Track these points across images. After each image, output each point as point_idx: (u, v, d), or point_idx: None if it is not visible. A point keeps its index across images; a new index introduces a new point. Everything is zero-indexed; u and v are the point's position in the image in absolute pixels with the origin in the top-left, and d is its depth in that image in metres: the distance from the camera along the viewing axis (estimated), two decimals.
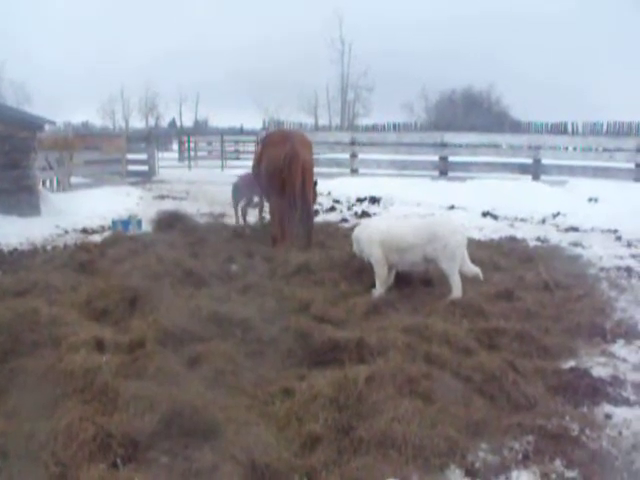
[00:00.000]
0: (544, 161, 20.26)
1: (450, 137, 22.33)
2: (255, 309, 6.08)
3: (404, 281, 7.56)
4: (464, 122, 42.85)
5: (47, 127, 16.00)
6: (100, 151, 22.79)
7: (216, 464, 3.54)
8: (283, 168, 9.07)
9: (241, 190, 12.01)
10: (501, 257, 9.28)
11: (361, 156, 23.33)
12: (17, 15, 75.19)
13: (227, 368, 4.84)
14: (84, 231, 12.58)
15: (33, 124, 14.56)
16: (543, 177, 19.57)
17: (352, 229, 8.03)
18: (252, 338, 5.50)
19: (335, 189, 17.95)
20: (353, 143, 23.40)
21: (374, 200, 16.35)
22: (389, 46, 63.88)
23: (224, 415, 4.07)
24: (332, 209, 15.34)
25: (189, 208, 14.64)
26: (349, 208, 15.54)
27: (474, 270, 7.15)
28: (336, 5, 57.40)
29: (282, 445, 3.89)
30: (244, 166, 27.66)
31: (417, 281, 7.65)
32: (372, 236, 7.13)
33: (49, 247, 10.90)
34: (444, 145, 21.81)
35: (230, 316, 5.71)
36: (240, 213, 12.11)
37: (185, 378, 4.59)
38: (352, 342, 5.24)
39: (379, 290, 7.09)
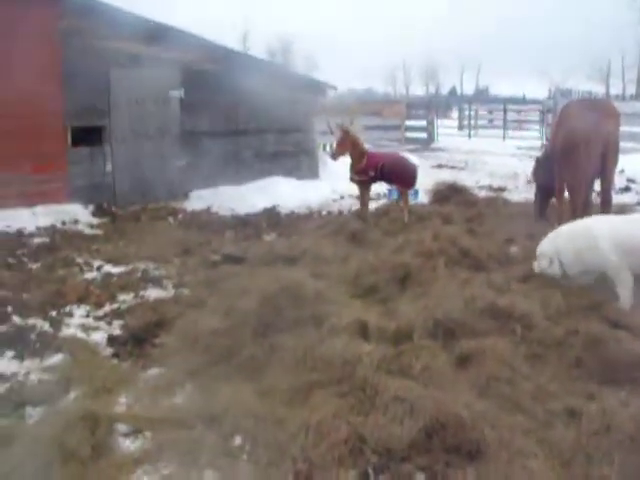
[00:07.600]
0: None
1: None
2: (538, 303, 5.26)
3: None
4: None
5: (330, 92, 16.22)
6: (380, 117, 22.93)
7: None
8: (580, 143, 7.81)
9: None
10: None
11: None
12: None
13: (502, 374, 4.14)
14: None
15: (316, 89, 14.83)
16: None
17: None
18: (533, 339, 4.74)
19: (630, 166, 15.80)
20: None
21: None
22: None
23: (495, 435, 3.42)
24: (626, 189, 13.42)
25: (467, 179, 14.09)
26: None
27: None
28: None
29: None
30: (526, 137, 26.34)
31: None
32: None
33: (324, 212, 10.95)
34: None
35: (510, 309, 4.97)
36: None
37: (453, 382, 4.00)
38: None
39: (627, 301, 5.56)
